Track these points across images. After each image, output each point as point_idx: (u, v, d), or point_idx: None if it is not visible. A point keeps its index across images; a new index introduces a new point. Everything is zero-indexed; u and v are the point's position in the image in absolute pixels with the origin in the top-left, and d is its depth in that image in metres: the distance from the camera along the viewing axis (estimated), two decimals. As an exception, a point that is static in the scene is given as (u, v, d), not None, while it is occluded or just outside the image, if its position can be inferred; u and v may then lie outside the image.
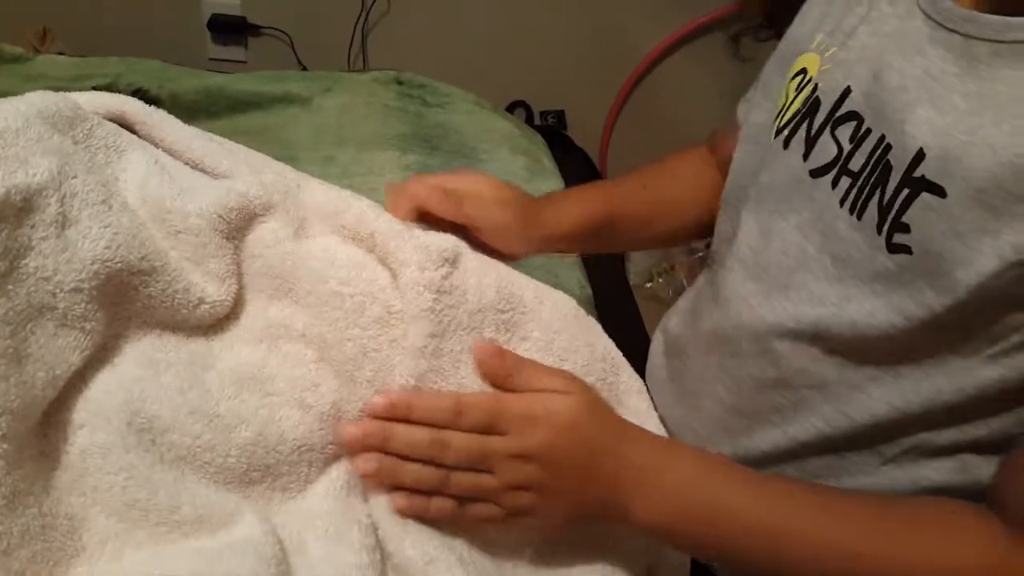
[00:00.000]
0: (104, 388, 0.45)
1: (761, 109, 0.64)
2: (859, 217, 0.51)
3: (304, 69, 1.99)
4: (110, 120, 0.55)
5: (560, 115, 2.14)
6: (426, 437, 0.48)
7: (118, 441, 0.44)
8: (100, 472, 0.44)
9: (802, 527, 0.49)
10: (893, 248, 0.49)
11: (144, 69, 1.19)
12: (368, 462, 0.49)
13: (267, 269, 0.52)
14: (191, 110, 1.11)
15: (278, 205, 0.53)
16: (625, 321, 1.10)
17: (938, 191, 0.46)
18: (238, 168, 0.57)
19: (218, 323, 0.52)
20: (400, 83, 1.29)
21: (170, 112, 1.03)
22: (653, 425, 0.58)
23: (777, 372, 0.57)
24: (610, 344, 0.59)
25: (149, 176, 0.50)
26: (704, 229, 0.73)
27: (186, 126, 0.61)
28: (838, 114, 0.55)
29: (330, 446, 0.50)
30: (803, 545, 0.48)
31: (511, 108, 2.13)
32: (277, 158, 1.02)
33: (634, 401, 0.59)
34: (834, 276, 0.53)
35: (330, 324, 0.51)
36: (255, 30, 1.97)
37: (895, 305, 0.49)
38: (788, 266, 0.57)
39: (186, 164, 0.57)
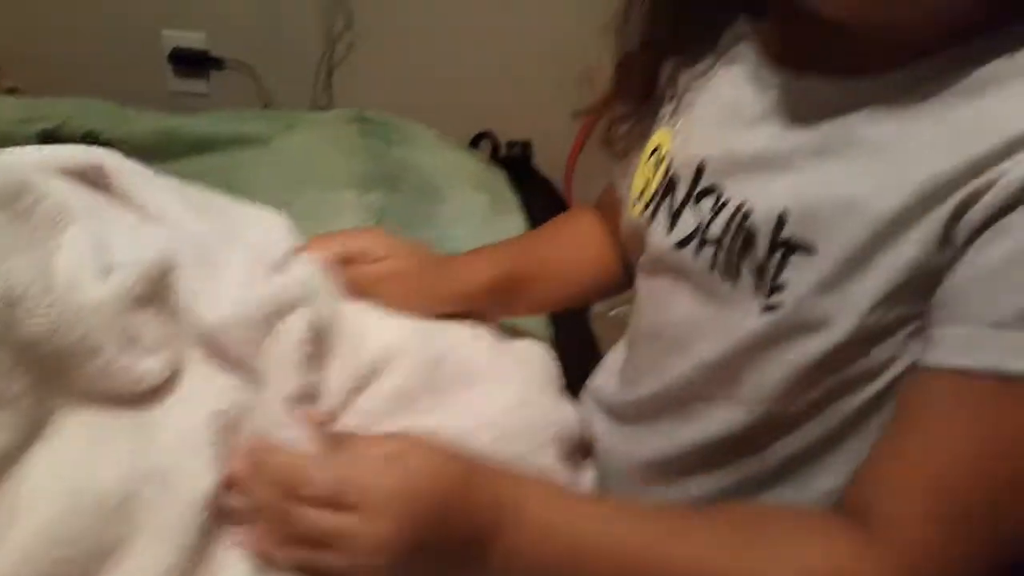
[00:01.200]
0: (49, 472, 0.44)
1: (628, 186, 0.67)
2: (736, 281, 0.53)
3: (267, 104, 1.98)
4: (88, 169, 0.58)
5: (526, 145, 2.14)
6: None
7: (61, 521, 0.42)
8: (45, 549, 0.42)
9: (646, 544, 0.49)
10: (768, 307, 0.51)
11: (97, 111, 1.16)
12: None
13: (189, 325, 0.52)
14: (147, 153, 1.07)
15: (194, 266, 0.54)
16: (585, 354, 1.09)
17: (807, 250, 0.49)
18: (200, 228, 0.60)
19: (160, 389, 0.51)
20: (363, 121, 1.28)
21: (126, 156, 1.03)
22: None
23: (692, 431, 0.58)
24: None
25: (85, 254, 0.49)
26: (610, 288, 0.77)
27: (163, 181, 0.65)
28: (697, 190, 0.58)
29: None
30: (647, 564, 0.48)
31: (477, 138, 2.13)
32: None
33: None
34: (725, 340, 0.54)
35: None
36: (218, 63, 1.96)
37: (775, 364, 0.51)
38: (687, 335, 0.58)
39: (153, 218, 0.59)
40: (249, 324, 0.52)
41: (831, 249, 0.48)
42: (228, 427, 0.49)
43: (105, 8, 1.85)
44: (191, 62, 1.95)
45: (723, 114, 0.58)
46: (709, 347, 0.56)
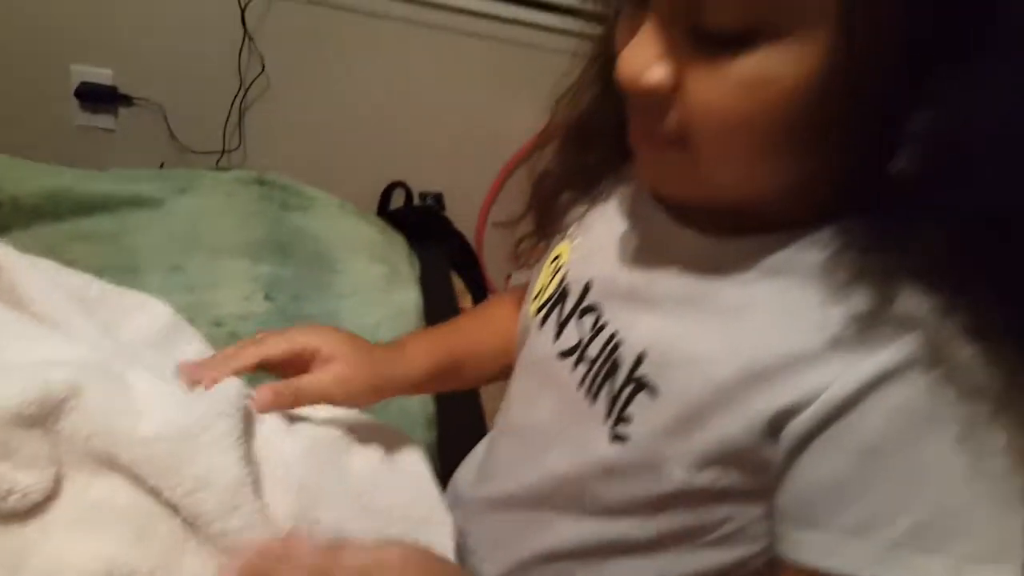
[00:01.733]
0: None
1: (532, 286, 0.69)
2: (592, 403, 0.56)
3: (176, 141, 1.97)
4: None
5: (439, 197, 2.17)
6: None
7: None
8: None
9: None
10: (615, 437, 0.53)
11: (-11, 164, 1.14)
12: None
13: (87, 445, 0.51)
14: (33, 213, 1.08)
15: (91, 386, 0.52)
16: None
17: (652, 391, 0.51)
18: (88, 331, 0.60)
19: (38, 507, 0.50)
20: (262, 184, 1.29)
21: (8, 218, 1.02)
22: None
23: (539, 538, 0.60)
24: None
25: None
26: None
27: (55, 276, 0.66)
28: (582, 306, 0.60)
29: None
30: None
31: (390, 188, 2.16)
32: (120, 268, 1.02)
33: None
34: (576, 456, 0.56)
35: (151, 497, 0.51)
36: (126, 100, 1.94)
37: (618, 491, 0.53)
38: (542, 440, 0.61)
39: (36, 316, 0.60)
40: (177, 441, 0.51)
41: (671, 399, 0.50)
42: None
43: (17, 39, 1.82)
44: (99, 98, 1.92)
45: (613, 241, 0.60)
46: (561, 460, 0.58)
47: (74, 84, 1.90)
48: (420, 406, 0.96)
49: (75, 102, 1.92)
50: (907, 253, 0.42)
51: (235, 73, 1.93)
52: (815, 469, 0.44)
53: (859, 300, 0.43)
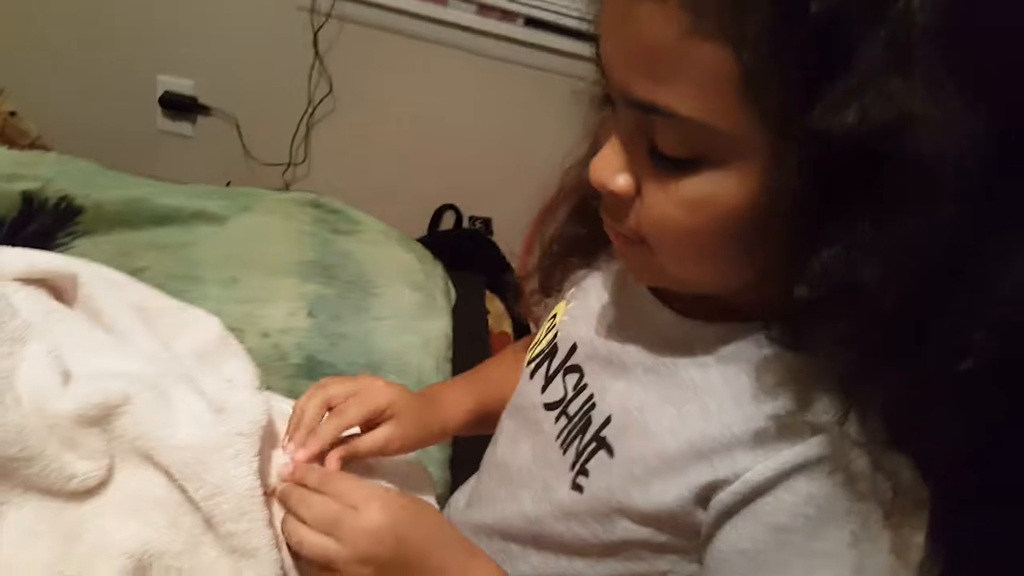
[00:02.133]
0: None
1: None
2: (563, 454, 0.62)
3: (247, 152, 2.11)
4: (66, 276, 0.72)
5: (488, 222, 2.27)
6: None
7: None
8: None
9: None
10: (574, 486, 0.60)
11: (75, 172, 1.28)
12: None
13: (133, 444, 0.62)
14: (112, 221, 1.21)
15: (141, 397, 0.63)
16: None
17: (609, 451, 0.58)
18: (148, 344, 0.72)
19: (93, 490, 0.61)
20: (316, 206, 1.40)
21: (92, 223, 1.15)
22: None
23: (509, 566, 0.66)
24: None
25: (40, 370, 0.61)
26: None
27: (124, 288, 0.78)
28: (567, 364, 0.66)
29: None
30: None
31: (442, 210, 2.26)
32: (185, 277, 1.14)
33: None
34: (540, 498, 0.63)
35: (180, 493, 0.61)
36: (204, 110, 2.08)
37: (573, 533, 0.60)
38: (519, 480, 0.67)
39: (106, 326, 0.72)
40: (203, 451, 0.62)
41: (622, 461, 0.56)
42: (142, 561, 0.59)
43: (108, 49, 1.99)
44: (180, 107, 2.07)
45: (599, 308, 0.66)
46: (530, 500, 0.65)
47: (159, 93, 2.05)
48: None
49: (159, 109, 2.08)
50: (818, 364, 0.47)
51: (305, 92, 2.06)
52: (734, 538, 0.50)
53: (781, 402, 0.49)
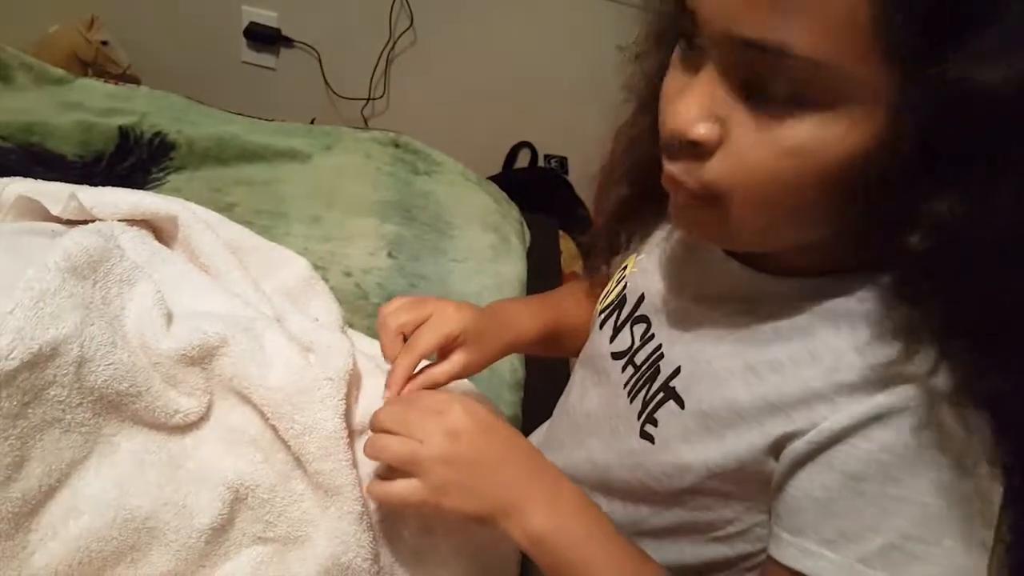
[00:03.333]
0: (101, 485, 0.60)
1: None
2: (631, 402, 0.63)
3: (328, 85, 2.13)
4: (167, 218, 0.76)
5: (563, 161, 2.26)
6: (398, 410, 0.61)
7: (107, 525, 0.58)
8: (92, 543, 0.58)
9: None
10: (643, 435, 0.61)
11: (168, 107, 1.32)
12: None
13: (230, 383, 0.66)
14: (203, 156, 1.25)
15: (237, 338, 0.66)
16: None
17: (679, 402, 0.58)
18: (242, 284, 0.76)
19: (194, 424, 0.66)
20: (397, 146, 1.41)
21: (184, 158, 1.19)
22: None
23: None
24: None
25: (147, 310, 0.65)
26: None
27: (218, 228, 0.81)
28: (636, 315, 0.67)
29: (250, 529, 0.65)
30: None
31: (517, 148, 2.26)
32: (271, 213, 1.18)
33: None
34: (608, 444, 0.65)
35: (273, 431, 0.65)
36: (288, 42, 2.11)
37: (640, 481, 0.61)
38: (588, 427, 0.69)
39: (204, 267, 0.76)
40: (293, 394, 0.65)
41: (693, 412, 0.57)
42: (239, 492, 0.64)
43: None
44: (264, 39, 2.10)
45: (667, 261, 0.67)
46: (599, 447, 0.67)
47: (244, 23, 2.08)
48: (510, 371, 1.08)
49: (243, 41, 2.11)
50: (918, 317, 0.46)
51: (386, 26, 2.06)
52: (807, 485, 0.50)
53: (860, 356, 0.49)
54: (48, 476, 0.57)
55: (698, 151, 0.48)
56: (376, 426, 0.62)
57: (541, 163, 2.28)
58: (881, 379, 0.48)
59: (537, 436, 0.86)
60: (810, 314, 0.53)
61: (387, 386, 0.68)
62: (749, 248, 0.56)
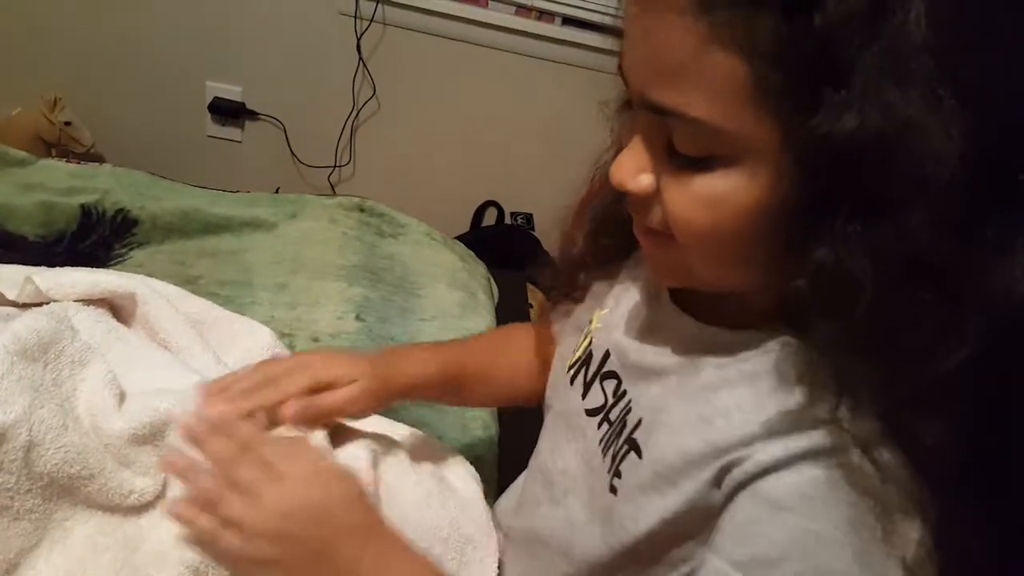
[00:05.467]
0: (52, 573, 0.58)
1: (569, 340, 0.77)
2: (604, 458, 0.63)
3: (294, 155, 2.15)
4: (125, 295, 0.75)
5: (529, 217, 2.29)
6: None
7: None
8: None
9: None
10: (611, 488, 0.61)
11: (131, 184, 1.32)
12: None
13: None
14: (167, 230, 1.25)
15: (186, 412, 0.66)
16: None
17: (639, 453, 0.59)
18: (202, 357, 0.76)
19: (149, 503, 0.65)
20: (362, 210, 1.43)
21: (148, 233, 1.19)
22: None
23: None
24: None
25: (98, 391, 0.64)
26: (531, 400, 0.86)
27: (180, 303, 0.81)
28: (603, 371, 0.68)
29: None
30: None
31: (484, 207, 2.29)
32: (237, 283, 1.17)
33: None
34: (587, 503, 0.65)
35: None
36: (252, 115, 2.14)
37: (604, 540, 0.61)
38: (564, 484, 0.69)
39: (164, 342, 0.76)
40: None
41: (649, 461, 0.58)
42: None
43: (159, 57, 2.05)
44: (228, 112, 2.13)
45: (628, 316, 0.68)
46: (578, 506, 0.65)
47: (208, 99, 2.11)
48: (482, 427, 1.08)
49: (208, 115, 2.14)
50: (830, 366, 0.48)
51: (349, 95, 2.10)
52: (733, 508, 0.52)
53: (793, 399, 0.51)
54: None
55: (641, 199, 0.53)
56: (211, 454, 0.61)
57: (508, 220, 2.31)
58: (812, 421, 0.49)
59: (513, 493, 0.85)
60: (755, 362, 0.55)
61: (215, 397, 0.67)
62: (706, 285, 0.57)
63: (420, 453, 0.84)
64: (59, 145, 1.96)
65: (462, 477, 0.87)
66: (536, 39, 2.04)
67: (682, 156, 0.49)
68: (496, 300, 1.42)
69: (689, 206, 0.50)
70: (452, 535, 0.76)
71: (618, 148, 0.67)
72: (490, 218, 2.32)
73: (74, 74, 2.03)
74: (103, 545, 0.61)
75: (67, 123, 1.99)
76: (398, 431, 0.87)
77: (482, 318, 1.29)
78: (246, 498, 0.58)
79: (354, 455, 0.72)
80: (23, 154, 1.35)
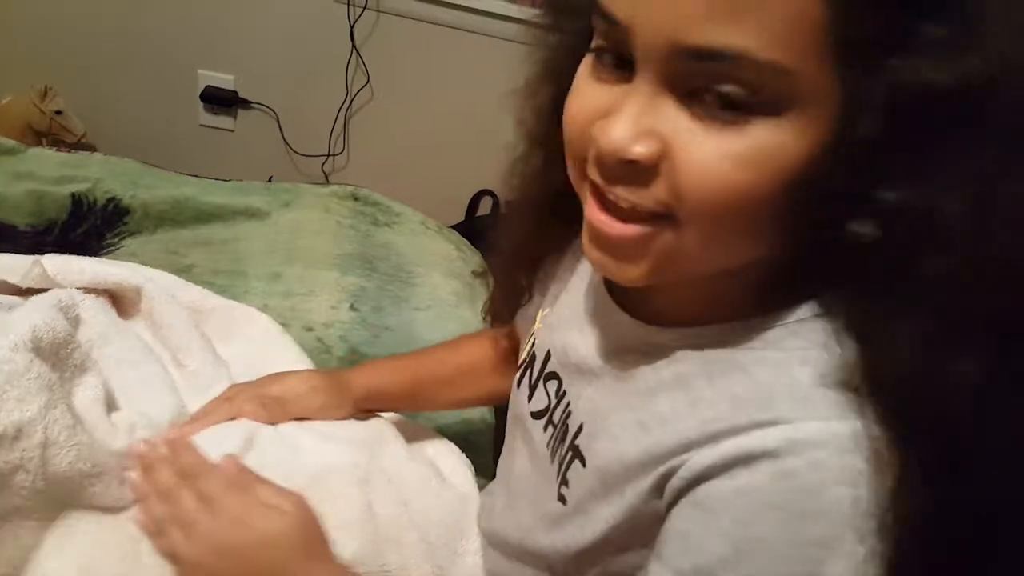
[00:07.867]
0: (63, 566, 0.58)
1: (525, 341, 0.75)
2: (551, 463, 0.62)
3: (287, 144, 2.14)
4: (130, 288, 0.76)
5: (523, 207, 2.27)
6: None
7: None
8: None
9: None
10: (560, 497, 0.60)
11: (122, 172, 1.31)
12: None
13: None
14: (159, 219, 1.24)
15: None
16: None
17: (583, 461, 0.57)
18: (199, 356, 0.77)
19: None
20: (356, 199, 1.42)
21: (139, 222, 1.18)
22: None
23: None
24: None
25: (92, 404, 0.64)
26: (497, 401, 0.87)
27: (179, 292, 0.83)
28: (546, 372, 0.66)
29: None
30: None
31: (479, 196, 2.28)
32: (230, 272, 1.17)
33: None
34: (535, 509, 0.63)
35: None
36: (245, 104, 2.12)
37: (554, 546, 0.59)
38: (518, 490, 0.68)
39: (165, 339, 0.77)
40: None
41: (593, 469, 0.56)
42: None
43: (150, 45, 2.03)
44: (221, 101, 2.11)
45: (567, 316, 0.65)
46: (527, 511, 0.65)
47: (200, 87, 2.09)
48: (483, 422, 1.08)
49: (200, 104, 2.12)
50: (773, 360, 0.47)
51: (342, 83, 2.08)
52: (673, 517, 0.49)
53: (729, 403, 0.48)
54: (6, 565, 0.56)
55: (637, 170, 0.45)
56: (156, 485, 0.63)
57: (503, 210, 2.29)
58: (749, 424, 0.46)
59: (483, 502, 0.83)
60: (690, 364, 0.52)
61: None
62: (690, 273, 0.50)
63: (415, 441, 0.84)
64: (50, 135, 1.94)
65: (455, 467, 0.86)
66: (525, 25, 2.02)
67: (715, 108, 0.42)
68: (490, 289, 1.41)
69: (716, 167, 0.42)
70: (447, 530, 0.76)
71: (531, 138, 0.68)
72: (485, 207, 2.31)
73: (65, 63, 2.00)
74: (106, 544, 0.60)
75: (58, 112, 1.98)
76: (392, 418, 0.86)
77: (477, 307, 1.28)
78: (183, 531, 0.60)
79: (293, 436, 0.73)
80: (12, 142, 1.34)
